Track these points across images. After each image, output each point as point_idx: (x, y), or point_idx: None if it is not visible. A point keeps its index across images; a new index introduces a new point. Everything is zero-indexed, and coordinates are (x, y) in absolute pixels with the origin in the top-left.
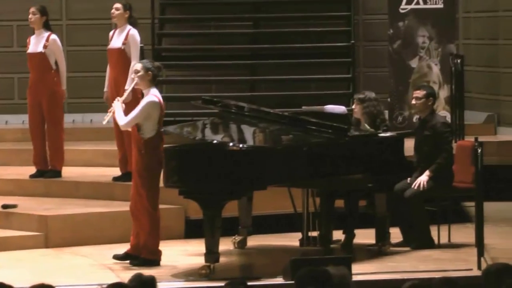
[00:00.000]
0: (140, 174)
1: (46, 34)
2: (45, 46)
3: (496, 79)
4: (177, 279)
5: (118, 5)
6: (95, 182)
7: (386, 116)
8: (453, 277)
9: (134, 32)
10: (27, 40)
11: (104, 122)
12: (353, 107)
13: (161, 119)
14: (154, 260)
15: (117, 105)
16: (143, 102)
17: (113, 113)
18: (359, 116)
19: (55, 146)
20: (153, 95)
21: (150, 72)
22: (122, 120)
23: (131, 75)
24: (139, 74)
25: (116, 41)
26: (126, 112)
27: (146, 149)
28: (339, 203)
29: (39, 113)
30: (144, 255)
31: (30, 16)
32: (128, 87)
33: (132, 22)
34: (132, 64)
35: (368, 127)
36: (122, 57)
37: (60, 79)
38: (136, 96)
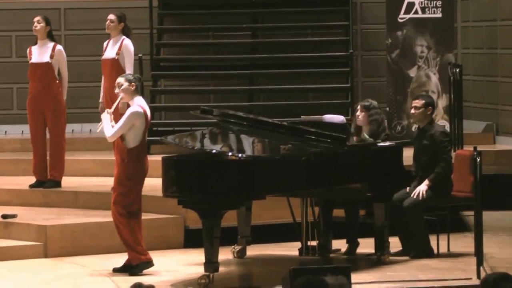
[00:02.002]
0: (121, 181)
1: (51, 44)
2: (51, 56)
3: (494, 89)
4: None
5: (112, 16)
6: (94, 192)
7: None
8: (452, 286)
9: (127, 42)
10: (28, 51)
11: (98, 130)
12: (357, 114)
13: (146, 129)
14: (145, 262)
15: (106, 117)
16: (127, 113)
17: None
18: (362, 124)
19: (56, 156)
20: (137, 105)
21: (133, 84)
22: (108, 132)
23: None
24: (123, 87)
25: (110, 51)
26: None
27: (130, 158)
28: (339, 212)
29: (41, 122)
30: (134, 262)
31: (35, 24)
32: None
33: (126, 32)
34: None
35: (367, 136)
36: (116, 67)
37: (62, 90)
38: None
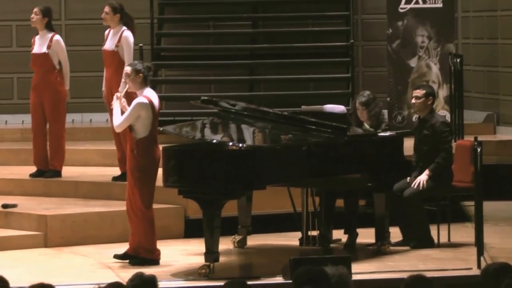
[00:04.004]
0: (133, 173)
1: (50, 35)
2: (48, 47)
3: (495, 79)
4: (176, 279)
5: (107, 9)
6: (94, 182)
7: (386, 115)
8: (453, 276)
9: (127, 34)
10: (32, 40)
11: (111, 108)
12: (358, 113)
13: (155, 120)
14: (152, 259)
15: (116, 104)
16: (132, 104)
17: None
18: (365, 120)
19: (56, 146)
20: (143, 96)
21: (140, 74)
22: (116, 121)
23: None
24: (130, 77)
25: (110, 43)
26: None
27: (138, 149)
28: (339, 202)
29: (42, 113)
30: (142, 254)
31: (32, 16)
32: (122, 90)
33: (126, 22)
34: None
35: (367, 126)
36: (116, 58)
37: (64, 79)
38: (131, 98)
